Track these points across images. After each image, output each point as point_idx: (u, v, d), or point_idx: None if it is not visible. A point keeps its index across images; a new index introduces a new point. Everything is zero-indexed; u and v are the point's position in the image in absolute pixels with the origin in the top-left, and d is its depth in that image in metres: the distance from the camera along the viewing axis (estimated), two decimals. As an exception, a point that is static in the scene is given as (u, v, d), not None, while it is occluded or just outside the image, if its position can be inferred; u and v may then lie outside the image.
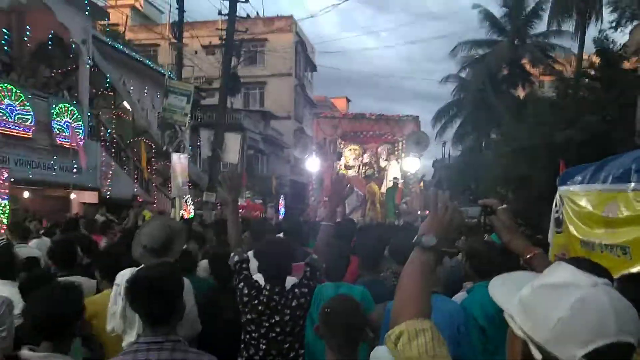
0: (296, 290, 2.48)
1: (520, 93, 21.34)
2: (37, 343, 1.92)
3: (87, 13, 12.23)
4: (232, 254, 2.63)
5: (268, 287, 2.47)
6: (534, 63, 20.55)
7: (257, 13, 22.71)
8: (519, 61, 21.12)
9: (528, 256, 1.54)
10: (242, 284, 2.51)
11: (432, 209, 1.30)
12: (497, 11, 21.15)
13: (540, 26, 20.41)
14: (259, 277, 2.57)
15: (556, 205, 3.55)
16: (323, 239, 2.71)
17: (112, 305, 2.67)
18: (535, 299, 0.88)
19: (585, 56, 13.74)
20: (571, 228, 3.23)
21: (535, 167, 10.76)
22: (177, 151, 12.01)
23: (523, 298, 0.90)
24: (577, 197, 3.24)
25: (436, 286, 2.50)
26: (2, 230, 6.72)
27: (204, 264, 4.45)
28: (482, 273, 2.53)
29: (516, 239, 1.57)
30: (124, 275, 2.62)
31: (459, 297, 2.69)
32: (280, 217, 15.57)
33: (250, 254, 2.70)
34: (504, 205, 1.54)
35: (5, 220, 7.64)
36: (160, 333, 1.77)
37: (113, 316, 2.64)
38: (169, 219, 3.88)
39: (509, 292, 0.94)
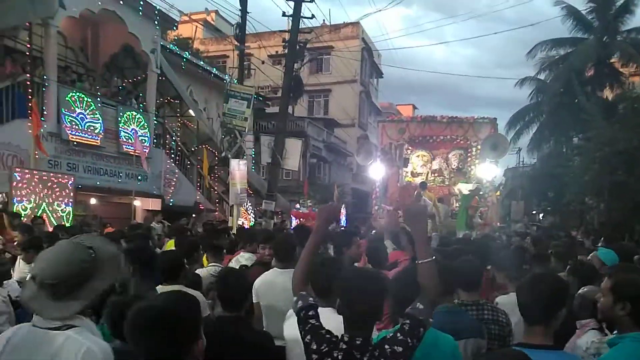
0: (387, 346, 1.76)
1: (608, 94, 19.42)
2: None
3: (156, 23, 12.49)
4: (294, 299, 2.03)
5: (346, 339, 1.81)
6: (626, 61, 18.63)
7: (324, 21, 22.68)
8: (608, 60, 19.23)
9: None
10: (309, 336, 1.89)
11: None
12: (582, 7, 19.53)
13: (632, 21, 18.86)
14: (332, 323, 1.91)
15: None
16: (430, 284, 1.89)
17: None
18: None
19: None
20: None
21: (633, 174, 9.52)
22: (237, 157, 11.82)
23: None
24: None
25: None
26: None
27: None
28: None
29: None
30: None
31: (574, 345, 1.95)
32: (342, 226, 14.98)
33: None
34: None
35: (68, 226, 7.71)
36: None
37: None
38: (98, 239, 2.08)
39: None
